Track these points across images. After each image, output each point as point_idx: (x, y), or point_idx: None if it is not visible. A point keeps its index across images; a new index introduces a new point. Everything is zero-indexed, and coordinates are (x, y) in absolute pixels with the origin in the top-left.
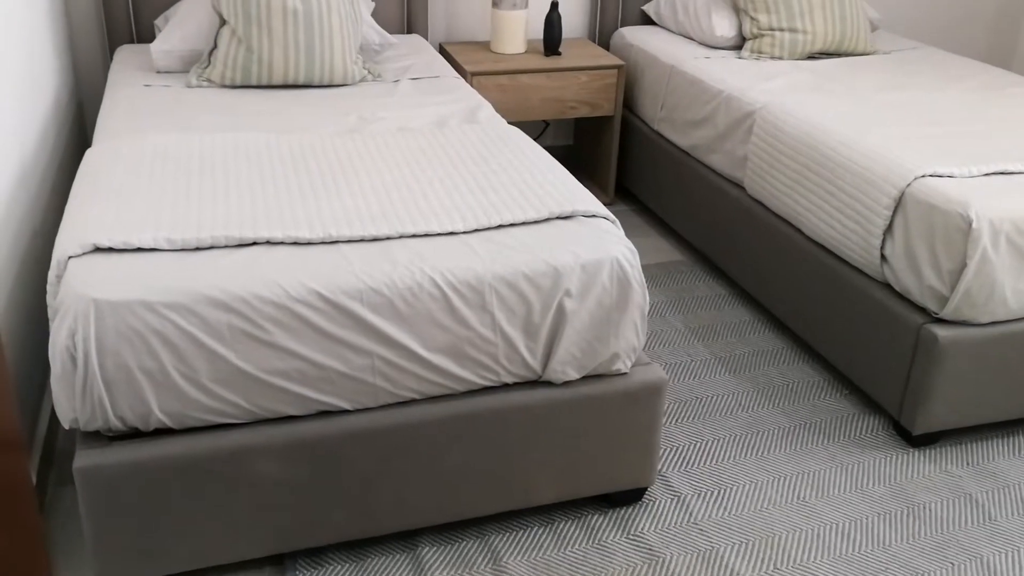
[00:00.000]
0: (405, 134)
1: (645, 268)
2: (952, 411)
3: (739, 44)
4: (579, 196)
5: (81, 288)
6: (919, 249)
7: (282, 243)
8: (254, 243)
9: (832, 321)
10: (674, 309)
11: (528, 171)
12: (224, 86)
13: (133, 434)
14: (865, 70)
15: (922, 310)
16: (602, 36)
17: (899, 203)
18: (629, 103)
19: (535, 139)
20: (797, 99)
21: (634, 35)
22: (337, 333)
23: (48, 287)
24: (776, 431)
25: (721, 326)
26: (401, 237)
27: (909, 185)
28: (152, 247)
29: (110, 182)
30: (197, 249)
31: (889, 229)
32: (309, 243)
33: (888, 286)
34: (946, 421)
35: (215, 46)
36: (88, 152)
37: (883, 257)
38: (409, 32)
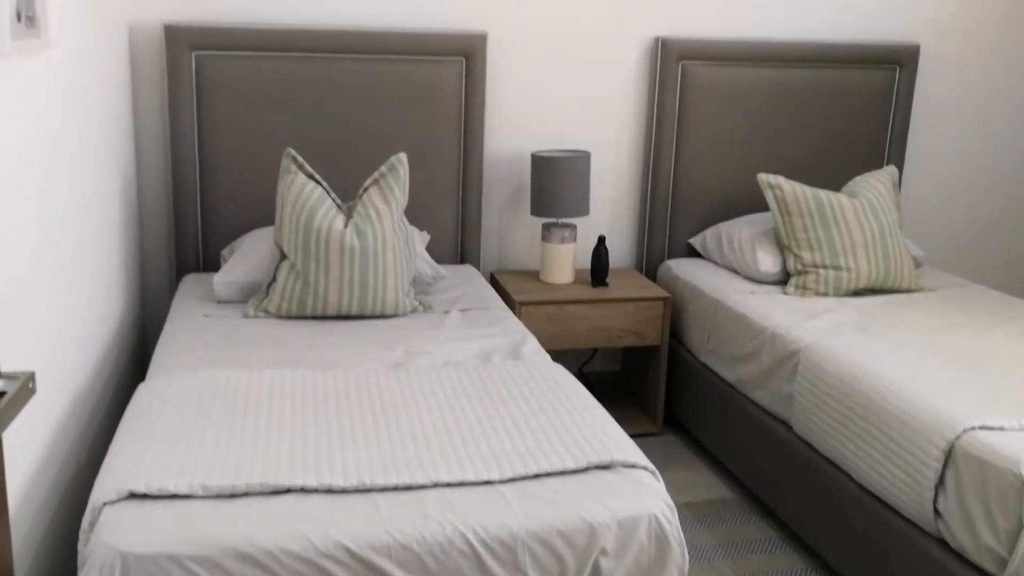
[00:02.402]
0: (448, 370)
1: (692, 506)
2: None
3: (784, 279)
4: (618, 444)
5: (111, 539)
6: (973, 506)
7: (316, 490)
8: (288, 490)
9: None
10: (722, 553)
11: (568, 413)
12: (280, 317)
13: None
14: (911, 309)
15: (982, 571)
16: (649, 267)
17: (949, 456)
18: (676, 333)
19: (583, 365)
20: (842, 339)
21: (680, 267)
22: None
23: (81, 533)
24: None
25: (773, 574)
26: (435, 486)
27: (958, 438)
28: (187, 494)
29: (156, 422)
30: (232, 496)
31: (941, 482)
32: (343, 491)
33: (944, 542)
34: None
35: (274, 279)
36: (140, 387)
37: (936, 511)
38: (462, 262)
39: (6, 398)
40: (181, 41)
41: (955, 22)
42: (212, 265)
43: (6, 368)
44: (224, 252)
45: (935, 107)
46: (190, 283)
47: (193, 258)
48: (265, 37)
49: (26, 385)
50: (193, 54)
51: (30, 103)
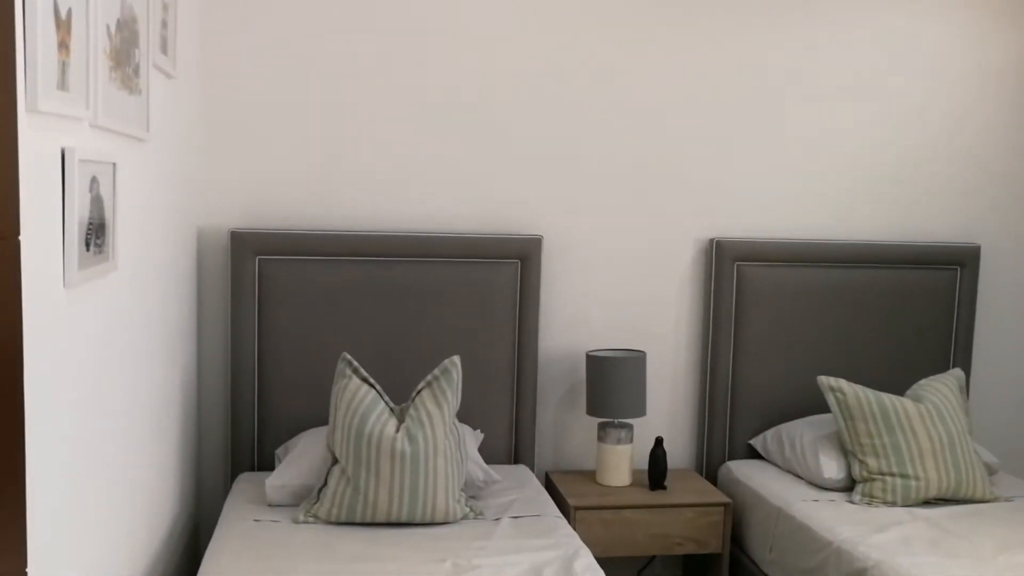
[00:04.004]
0: None
1: None
2: None
3: (849, 485)
4: None
5: None
6: None
7: None
8: None
9: None
10: None
11: None
12: (329, 523)
13: None
14: (986, 521)
15: None
16: (709, 468)
17: None
18: (738, 539)
19: (642, 569)
20: (913, 558)
21: (740, 470)
22: None
23: None
24: None
25: None
26: None
27: None
28: None
29: None
30: None
31: None
32: None
33: None
34: None
35: (325, 483)
36: None
37: None
38: (516, 462)
39: None
40: (246, 247)
41: (1014, 222)
42: (267, 464)
43: None
44: (279, 451)
45: (1000, 307)
46: (244, 483)
47: (248, 457)
48: (326, 242)
49: None
50: (257, 258)
51: (92, 321)
